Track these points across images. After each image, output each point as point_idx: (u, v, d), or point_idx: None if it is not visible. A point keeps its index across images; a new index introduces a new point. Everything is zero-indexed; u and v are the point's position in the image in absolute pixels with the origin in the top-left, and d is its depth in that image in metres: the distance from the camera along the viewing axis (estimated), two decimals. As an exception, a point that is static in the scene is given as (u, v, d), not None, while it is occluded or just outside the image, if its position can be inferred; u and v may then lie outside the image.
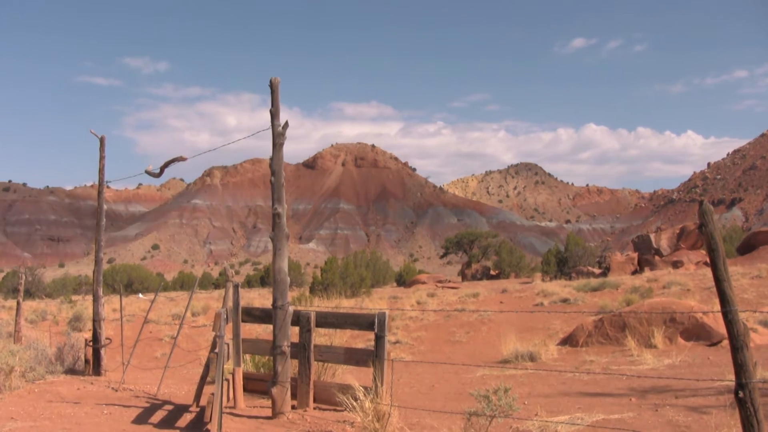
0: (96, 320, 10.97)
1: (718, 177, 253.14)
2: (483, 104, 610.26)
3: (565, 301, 19.44)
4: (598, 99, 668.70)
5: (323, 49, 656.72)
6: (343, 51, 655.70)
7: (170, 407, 7.95)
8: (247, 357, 9.14)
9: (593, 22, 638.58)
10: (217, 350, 6.66)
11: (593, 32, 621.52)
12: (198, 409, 7.53)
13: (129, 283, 57.60)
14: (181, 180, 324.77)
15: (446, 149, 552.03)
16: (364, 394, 6.34)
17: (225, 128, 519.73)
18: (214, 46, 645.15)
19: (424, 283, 43.27)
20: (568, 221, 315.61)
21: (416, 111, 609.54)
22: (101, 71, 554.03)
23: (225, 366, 6.90)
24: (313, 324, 7.62)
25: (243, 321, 8.14)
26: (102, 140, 11.43)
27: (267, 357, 8.77)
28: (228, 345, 7.39)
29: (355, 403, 6.26)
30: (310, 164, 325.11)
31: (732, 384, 3.84)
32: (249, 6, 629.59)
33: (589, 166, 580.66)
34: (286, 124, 7.51)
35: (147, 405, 8.10)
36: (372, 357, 7.05)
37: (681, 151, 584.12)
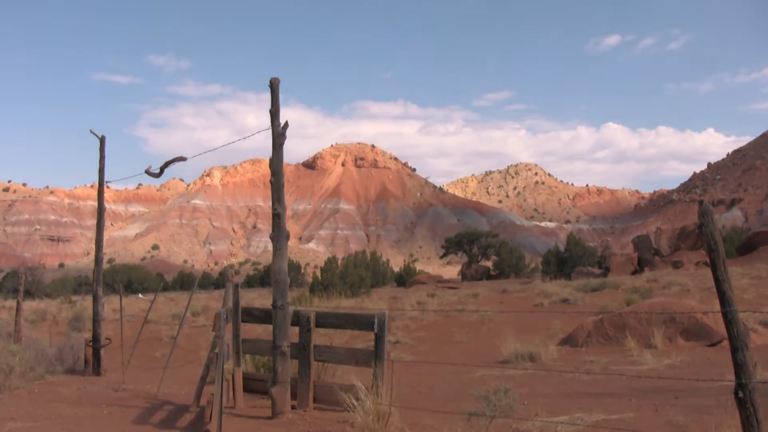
0: (96, 320, 10.97)
1: (718, 177, 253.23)
2: (506, 103, 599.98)
3: (565, 301, 19.44)
4: (625, 97, 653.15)
5: (349, 48, 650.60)
6: (371, 50, 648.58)
7: (170, 407, 7.95)
8: (247, 357, 9.13)
9: (632, 17, 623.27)
10: (217, 350, 6.66)
11: (630, 28, 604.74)
12: (198, 410, 7.53)
13: (129, 283, 57.66)
14: (181, 180, 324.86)
15: (464, 148, 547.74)
16: (365, 394, 6.34)
17: (244, 127, 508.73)
18: (235, 44, 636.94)
19: (423, 283, 43.30)
20: (568, 221, 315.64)
21: (440, 110, 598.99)
22: (122, 69, 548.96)
23: (225, 366, 6.90)
24: (312, 324, 7.62)
25: (243, 321, 8.14)
26: (102, 140, 11.42)
27: (267, 357, 8.76)
28: (228, 345, 7.39)
29: (355, 403, 6.25)
30: (310, 164, 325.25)
31: (732, 384, 3.84)
32: (271, 5, 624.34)
33: (606, 165, 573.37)
34: (286, 124, 7.53)
35: (147, 405, 8.10)
36: (372, 357, 7.04)
37: (700, 150, 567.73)
